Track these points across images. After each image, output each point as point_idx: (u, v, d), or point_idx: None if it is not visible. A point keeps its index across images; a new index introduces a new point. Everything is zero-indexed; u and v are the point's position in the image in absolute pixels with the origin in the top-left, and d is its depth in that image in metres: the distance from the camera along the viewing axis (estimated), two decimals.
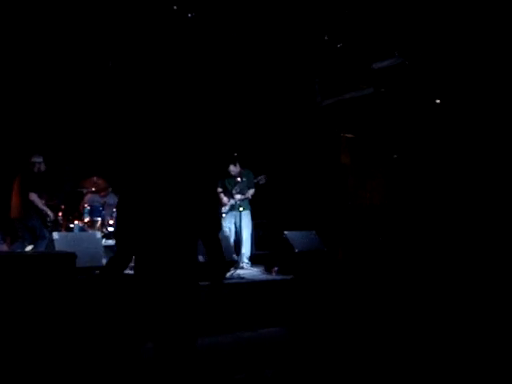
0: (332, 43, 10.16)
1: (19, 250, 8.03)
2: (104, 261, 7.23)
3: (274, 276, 8.62)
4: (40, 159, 8.55)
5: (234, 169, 9.52)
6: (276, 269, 8.75)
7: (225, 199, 9.62)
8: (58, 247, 7.03)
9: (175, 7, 8.95)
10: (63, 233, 8.18)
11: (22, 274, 5.38)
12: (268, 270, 8.87)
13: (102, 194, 9.60)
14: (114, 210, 9.43)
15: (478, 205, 9.92)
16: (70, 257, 5.83)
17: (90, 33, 9.18)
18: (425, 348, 5.91)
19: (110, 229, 9.19)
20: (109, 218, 9.26)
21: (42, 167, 8.58)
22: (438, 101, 10.97)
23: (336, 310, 7.29)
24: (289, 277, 8.17)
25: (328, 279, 8.07)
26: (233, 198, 9.49)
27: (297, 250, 8.81)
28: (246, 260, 9.45)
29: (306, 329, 7.08)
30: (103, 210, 9.25)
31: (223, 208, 9.64)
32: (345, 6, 9.13)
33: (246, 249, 9.51)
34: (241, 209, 9.34)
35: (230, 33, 9.71)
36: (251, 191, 9.58)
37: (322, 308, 7.40)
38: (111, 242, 8.85)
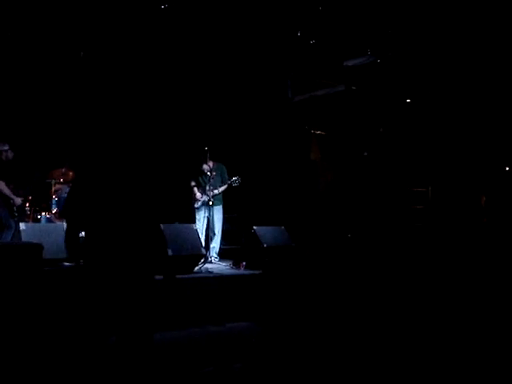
0: (305, 40, 10.18)
1: None
2: None
3: (242, 271, 8.63)
4: (6, 147, 8.40)
5: (206, 166, 9.50)
6: (244, 263, 8.77)
7: (198, 194, 9.61)
8: (25, 238, 6.95)
9: None
10: (30, 224, 8.09)
11: None
12: (236, 265, 8.88)
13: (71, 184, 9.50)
14: None
15: (449, 201, 10.05)
16: (37, 248, 5.77)
17: (62, 22, 9.07)
18: (398, 341, 5.98)
19: None
20: None
21: (10, 155, 8.44)
22: (408, 100, 11.09)
23: (304, 305, 7.33)
24: (257, 272, 8.19)
25: (296, 274, 8.10)
26: (206, 193, 9.47)
27: (265, 245, 8.83)
28: (214, 254, 9.45)
29: (273, 323, 7.11)
30: None
31: (196, 203, 9.65)
32: (318, 2, 9.16)
33: (215, 243, 9.53)
34: (210, 203, 9.35)
35: (202, 27, 9.67)
36: (223, 187, 9.59)
37: (289, 303, 7.43)
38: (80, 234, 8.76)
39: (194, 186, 9.69)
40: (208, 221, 9.54)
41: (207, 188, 9.45)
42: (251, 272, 8.35)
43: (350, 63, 10.46)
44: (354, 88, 11.05)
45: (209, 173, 9.42)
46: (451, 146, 10.48)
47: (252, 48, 10.40)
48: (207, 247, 9.21)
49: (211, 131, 10.92)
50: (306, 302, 7.36)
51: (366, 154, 11.63)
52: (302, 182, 11.88)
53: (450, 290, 6.98)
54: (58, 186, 9.37)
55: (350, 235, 10.10)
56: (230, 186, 9.67)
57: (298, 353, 5.82)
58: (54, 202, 9.06)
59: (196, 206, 9.65)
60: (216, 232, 9.52)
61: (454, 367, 5.20)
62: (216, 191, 9.49)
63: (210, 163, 9.51)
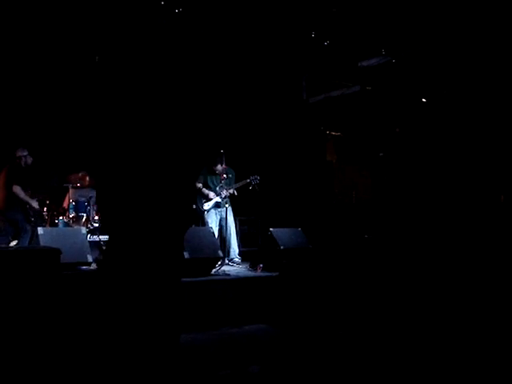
0: (319, 40, 10.16)
1: (3, 245, 7.98)
2: (89, 256, 7.21)
3: (259, 273, 8.63)
4: (25, 152, 8.55)
5: (220, 168, 9.52)
6: (261, 266, 8.76)
7: (211, 194, 9.61)
8: (43, 242, 7.00)
9: (162, 2, 8.93)
10: (48, 228, 8.14)
11: (6, 270, 5.35)
12: (253, 267, 8.88)
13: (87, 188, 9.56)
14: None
15: (464, 202, 9.98)
16: (55, 252, 5.80)
17: (77, 27, 9.13)
18: (413, 344, 5.95)
19: (96, 224, 9.18)
20: (94, 213, 9.25)
21: (29, 160, 8.58)
22: (424, 99, 11.03)
23: (321, 307, 7.31)
24: (274, 274, 8.18)
25: (313, 276, 8.09)
26: (219, 195, 9.51)
27: (282, 247, 8.82)
28: (237, 256, 9.43)
29: (290, 325, 7.10)
30: (88, 205, 9.22)
31: (206, 204, 9.64)
32: (332, 3, 9.14)
33: (234, 245, 9.56)
34: (227, 205, 9.36)
35: (217, 29, 9.69)
36: (235, 187, 9.66)
37: (306, 305, 7.42)
38: (96, 237, 8.83)
39: (203, 188, 9.66)
40: (221, 223, 9.57)
41: (218, 189, 9.46)
42: (268, 274, 8.34)
43: (365, 64, 10.42)
44: (369, 88, 11.01)
45: (222, 175, 9.42)
46: (468, 145, 10.41)
47: (266, 50, 10.40)
48: (222, 250, 9.23)
49: (226, 133, 10.93)
50: (323, 304, 7.34)
51: (381, 154, 11.58)
52: (318, 183, 11.85)
53: (469, 289, 6.93)
54: (74, 191, 9.44)
55: (366, 236, 10.05)
56: (249, 184, 9.70)
57: (315, 355, 5.80)
58: (71, 206, 9.12)
59: (206, 207, 9.62)
60: (232, 233, 9.53)
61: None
62: (230, 191, 9.51)
63: (224, 166, 9.52)
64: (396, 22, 9.32)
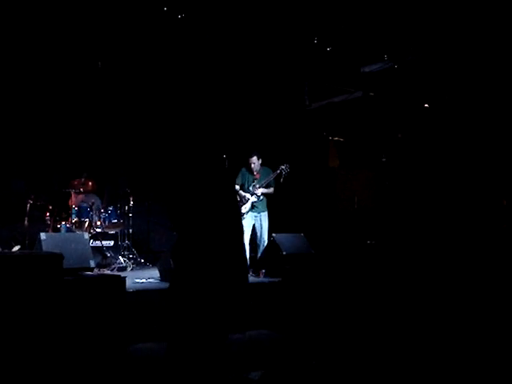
0: (321, 46, 10.18)
1: (6, 250, 7.98)
2: (91, 262, 7.19)
3: (261, 278, 8.62)
4: None
5: (257, 163, 9.33)
6: (263, 271, 8.75)
7: (246, 195, 9.21)
8: (46, 248, 6.98)
9: (165, 8, 8.96)
10: (50, 233, 8.14)
11: (8, 274, 5.33)
12: (255, 273, 8.86)
13: (87, 194, 9.57)
14: (102, 211, 9.43)
15: (467, 207, 9.96)
16: (57, 257, 5.79)
17: (80, 33, 9.16)
18: (415, 350, 5.93)
19: (98, 230, 9.18)
20: (96, 218, 9.25)
21: None
22: (426, 105, 11.03)
23: (323, 313, 7.29)
24: (276, 279, 8.16)
25: (316, 282, 8.07)
26: (252, 194, 9.25)
27: (285, 253, 8.80)
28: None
29: (293, 331, 7.08)
30: (91, 210, 9.23)
31: (243, 207, 9.15)
32: (335, 9, 9.16)
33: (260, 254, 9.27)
34: (263, 212, 9.25)
35: (219, 35, 9.71)
36: (268, 179, 9.35)
37: (309, 310, 7.40)
38: (98, 242, 8.83)
39: (240, 190, 9.22)
40: (254, 229, 9.31)
41: (251, 189, 9.24)
42: (271, 280, 8.33)
43: (367, 69, 10.43)
44: (371, 94, 11.02)
45: (256, 175, 9.29)
46: (471, 150, 10.40)
47: (269, 56, 10.42)
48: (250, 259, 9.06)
49: (228, 137, 10.91)
50: (325, 309, 7.32)
51: (384, 159, 11.58)
52: (320, 188, 11.84)
53: (470, 296, 6.91)
54: (77, 196, 9.45)
55: (369, 242, 10.04)
56: (279, 176, 9.39)
57: (318, 361, 5.79)
58: (73, 211, 9.13)
59: (244, 210, 9.13)
60: (265, 243, 9.26)
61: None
62: (261, 190, 9.23)
63: (259, 164, 9.34)
64: (398, 28, 9.34)
